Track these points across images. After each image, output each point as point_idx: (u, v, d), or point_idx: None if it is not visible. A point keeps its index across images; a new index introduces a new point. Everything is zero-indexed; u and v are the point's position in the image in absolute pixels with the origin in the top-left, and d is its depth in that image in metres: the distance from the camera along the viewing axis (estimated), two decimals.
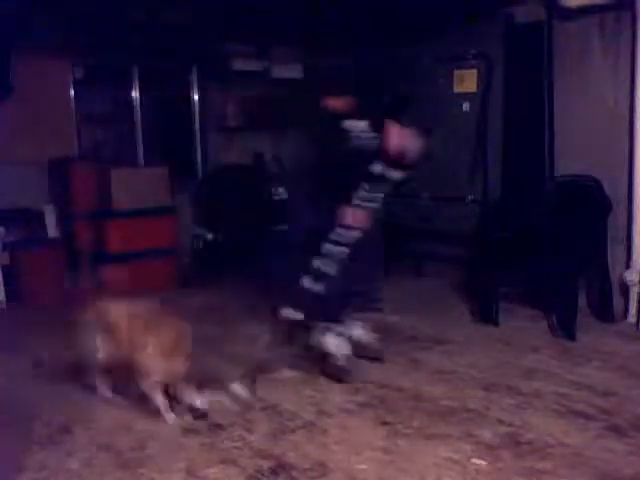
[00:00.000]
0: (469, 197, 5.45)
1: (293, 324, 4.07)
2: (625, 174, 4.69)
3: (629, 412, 3.19)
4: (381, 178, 3.76)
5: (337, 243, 3.70)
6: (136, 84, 6.80)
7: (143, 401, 3.29)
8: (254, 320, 4.93)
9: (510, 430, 3.03)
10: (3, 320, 5.34)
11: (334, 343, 3.81)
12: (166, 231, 6.17)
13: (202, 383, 3.23)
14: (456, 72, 5.45)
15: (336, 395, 3.50)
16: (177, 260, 6.38)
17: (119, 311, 3.39)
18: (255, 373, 3.61)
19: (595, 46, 4.80)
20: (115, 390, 3.53)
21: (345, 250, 3.70)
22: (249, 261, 6.60)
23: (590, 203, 4.61)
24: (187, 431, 3.11)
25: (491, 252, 4.84)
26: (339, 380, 3.68)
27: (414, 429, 3.06)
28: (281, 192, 7.55)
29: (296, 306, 3.94)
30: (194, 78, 7.22)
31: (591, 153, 4.84)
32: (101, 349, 3.39)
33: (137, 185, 5.98)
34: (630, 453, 2.79)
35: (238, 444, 2.96)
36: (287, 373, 3.85)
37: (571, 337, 4.33)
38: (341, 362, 3.77)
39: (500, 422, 3.11)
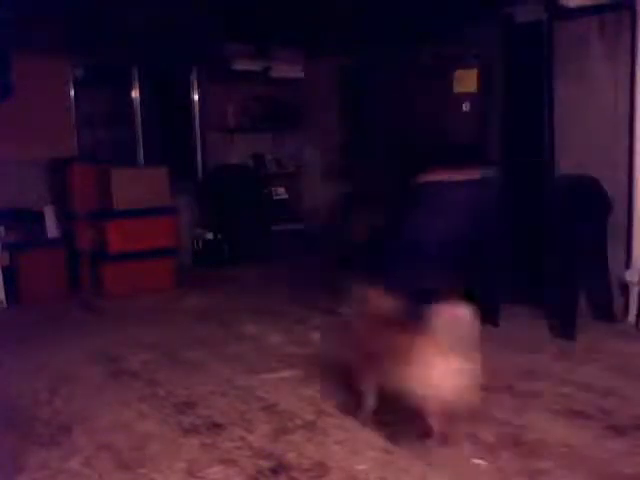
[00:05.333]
0: None
1: None
2: (625, 174, 4.69)
3: (629, 412, 3.19)
4: None
5: None
6: (136, 84, 6.81)
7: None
8: (253, 320, 4.94)
9: (510, 430, 3.02)
10: (3, 320, 5.34)
11: None
12: (166, 231, 6.18)
13: None
14: (456, 72, 5.44)
15: (336, 395, 3.49)
16: (177, 260, 6.38)
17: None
18: None
19: (595, 46, 4.80)
20: None
21: None
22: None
23: (590, 203, 4.61)
24: (187, 431, 3.11)
25: (491, 252, 4.83)
26: None
27: (414, 429, 3.05)
28: (281, 192, 7.57)
29: None
30: (194, 78, 7.23)
31: (591, 153, 4.84)
32: None
33: (137, 185, 5.98)
34: (630, 453, 2.79)
35: (238, 444, 2.96)
36: (287, 373, 3.85)
37: (571, 337, 4.33)
38: None
39: (500, 422, 3.11)
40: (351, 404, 3.20)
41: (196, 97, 7.27)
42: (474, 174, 4.05)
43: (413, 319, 2.77)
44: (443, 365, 2.57)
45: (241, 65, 6.99)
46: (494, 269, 4.70)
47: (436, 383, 2.59)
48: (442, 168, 3.99)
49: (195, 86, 7.25)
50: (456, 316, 2.60)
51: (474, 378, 2.60)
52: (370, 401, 3.00)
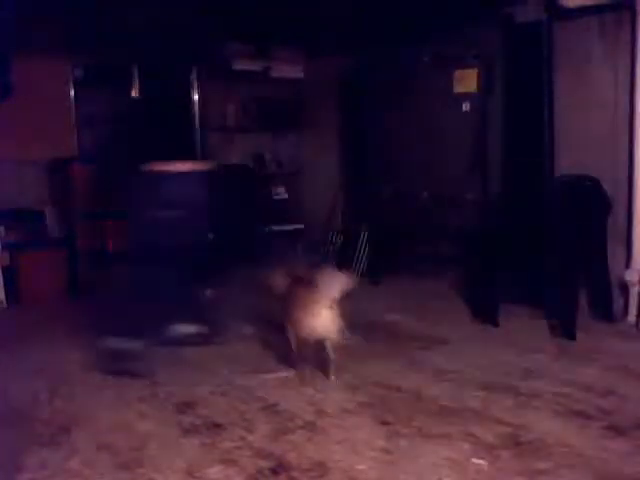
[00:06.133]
0: (469, 197, 5.45)
1: None
2: (625, 174, 4.69)
3: (629, 412, 3.19)
4: None
5: None
6: (136, 84, 6.80)
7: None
8: (252, 320, 4.94)
9: (510, 430, 3.03)
10: (3, 320, 5.34)
11: None
12: None
13: None
14: (456, 72, 5.44)
15: (336, 395, 3.50)
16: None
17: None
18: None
19: (595, 46, 4.80)
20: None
21: None
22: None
23: (590, 203, 4.61)
24: (187, 431, 3.11)
25: (491, 252, 4.83)
26: None
27: (414, 429, 3.06)
28: (281, 192, 7.57)
29: None
30: (194, 78, 7.22)
31: (591, 153, 4.84)
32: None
33: None
34: (630, 453, 2.79)
35: (238, 444, 2.96)
36: (287, 373, 3.85)
37: (571, 337, 4.33)
38: None
39: (500, 422, 3.11)
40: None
41: (196, 97, 7.27)
42: (189, 166, 4.37)
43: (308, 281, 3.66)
44: (322, 312, 3.52)
45: (241, 65, 6.98)
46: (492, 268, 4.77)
47: (315, 325, 3.56)
48: (162, 158, 4.25)
49: (195, 86, 7.25)
50: (334, 279, 3.61)
51: (340, 322, 3.55)
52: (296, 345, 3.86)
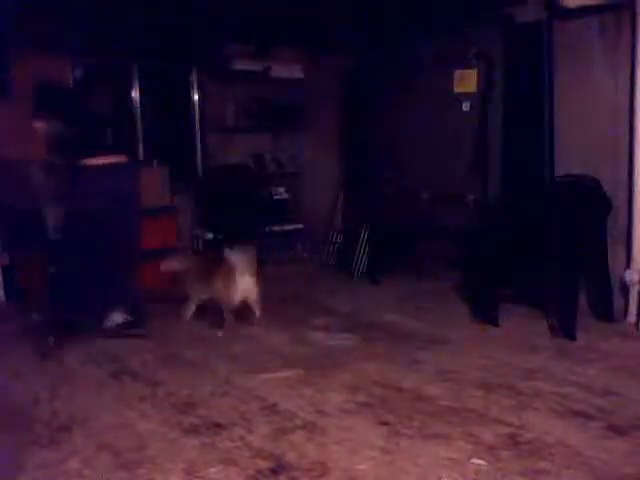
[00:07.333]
0: (469, 197, 5.46)
1: None
2: (625, 174, 4.69)
3: (629, 412, 3.20)
4: None
5: None
6: (136, 84, 6.81)
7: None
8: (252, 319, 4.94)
9: (510, 430, 3.03)
10: (2, 319, 5.33)
11: None
12: (166, 231, 6.17)
13: None
14: (456, 72, 5.45)
15: (336, 395, 3.50)
16: None
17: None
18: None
19: (595, 46, 4.80)
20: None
21: None
22: None
23: (590, 203, 4.61)
24: (187, 431, 3.11)
25: (491, 252, 4.83)
26: None
27: (414, 429, 3.06)
28: (281, 192, 7.57)
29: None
30: (194, 78, 7.23)
31: (591, 153, 4.85)
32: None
33: None
34: (630, 453, 2.79)
35: (238, 444, 2.96)
36: (286, 373, 3.85)
37: (571, 337, 4.33)
38: None
39: (500, 422, 3.11)
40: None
41: (196, 97, 7.27)
42: (111, 159, 4.57)
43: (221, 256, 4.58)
44: (238, 279, 4.52)
45: (241, 65, 6.98)
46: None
47: (234, 290, 4.55)
48: (91, 153, 4.53)
49: (195, 86, 7.25)
50: (245, 251, 4.56)
51: (255, 286, 4.60)
52: (194, 305, 5.02)
